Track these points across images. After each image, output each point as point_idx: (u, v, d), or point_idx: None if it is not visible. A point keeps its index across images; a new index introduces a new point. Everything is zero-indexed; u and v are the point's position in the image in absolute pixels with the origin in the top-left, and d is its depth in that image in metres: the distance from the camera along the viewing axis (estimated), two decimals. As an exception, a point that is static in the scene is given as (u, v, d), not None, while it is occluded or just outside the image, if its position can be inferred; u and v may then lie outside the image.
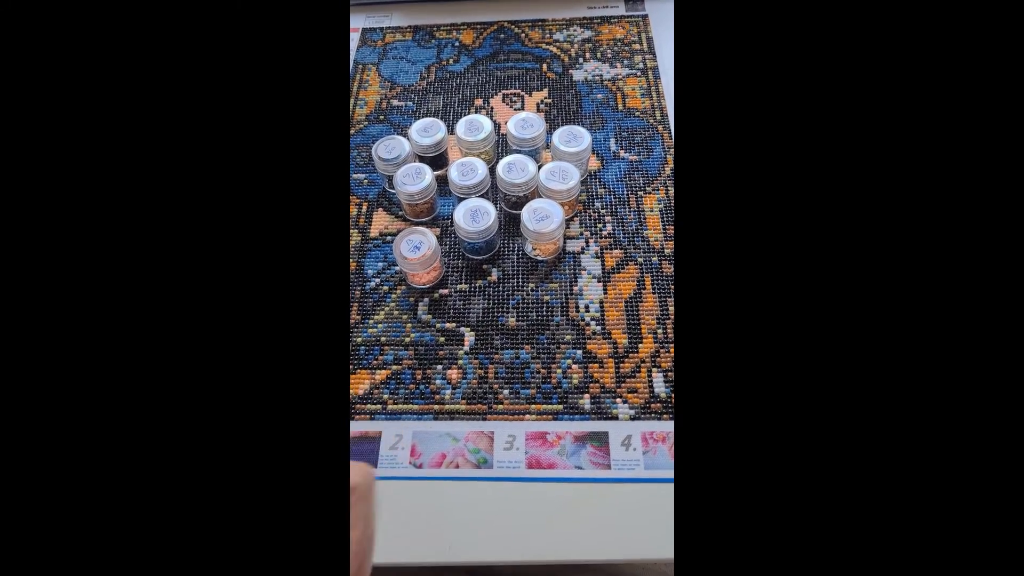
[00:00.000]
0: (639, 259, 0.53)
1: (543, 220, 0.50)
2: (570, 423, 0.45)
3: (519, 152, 0.57)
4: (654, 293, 0.51)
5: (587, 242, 0.54)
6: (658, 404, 0.45)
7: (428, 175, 0.53)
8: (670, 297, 0.51)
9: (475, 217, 0.50)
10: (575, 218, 0.56)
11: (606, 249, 0.54)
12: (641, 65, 0.67)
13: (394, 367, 0.48)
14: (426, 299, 0.52)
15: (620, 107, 0.64)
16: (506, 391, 0.47)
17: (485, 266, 0.53)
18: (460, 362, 0.48)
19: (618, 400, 0.46)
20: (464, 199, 0.52)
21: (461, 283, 0.53)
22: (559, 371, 0.48)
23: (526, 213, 0.50)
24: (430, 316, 0.51)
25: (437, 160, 0.58)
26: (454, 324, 0.50)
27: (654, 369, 0.47)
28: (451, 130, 0.60)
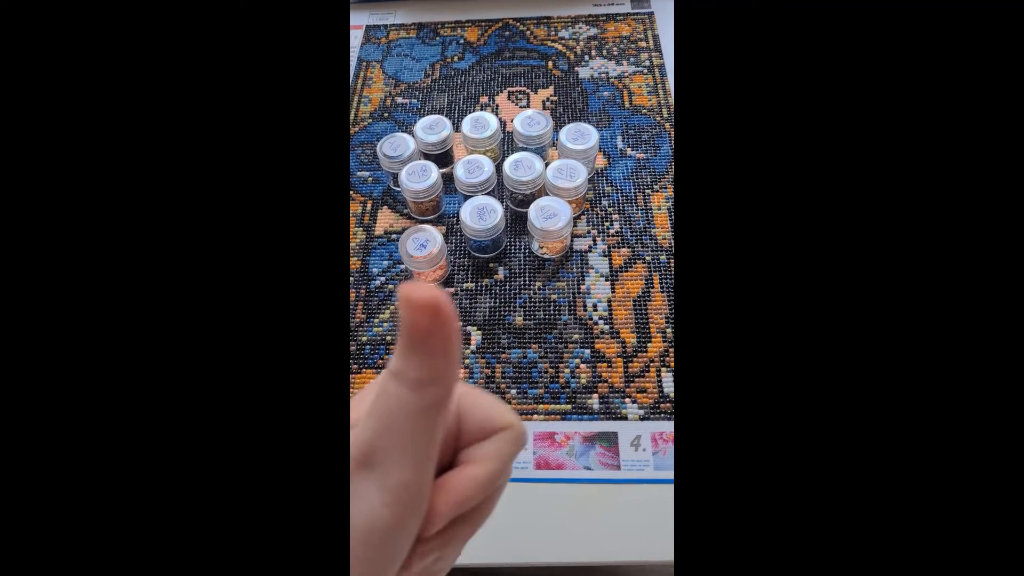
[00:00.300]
0: (647, 258, 0.52)
1: (550, 218, 0.49)
2: (579, 423, 0.45)
3: (525, 150, 0.56)
4: (662, 292, 0.50)
5: (594, 240, 0.54)
6: (667, 404, 0.45)
7: (434, 172, 0.53)
8: (679, 296, 0.51)
9: (481, 215, 0.50)
10: (582, 216, 0.55)
11: (614, 247, 0.53)
12: (647, 62, 0.67)
13: (400, 366, 0.48)
14: (432, 298, 0.51)
15: (627, 105, 0.63)
16: (513, 391, 0.46)
17: (491, 264, 0.53)
18: (467, 361, 0.48)
19: (627, 400, 0.45)
20: (470, 197, 0.52)
21: (467, 282, 0.52)
22: (567, 371, 0.47)
23: (533, 211, 0.50)
24: (436, 315, 0.50)
25: (442, 157, 0.57)
26: (460, 323, 0.50)
27: (663, 369, 0.47)
28: (456, 127, 0.59)
